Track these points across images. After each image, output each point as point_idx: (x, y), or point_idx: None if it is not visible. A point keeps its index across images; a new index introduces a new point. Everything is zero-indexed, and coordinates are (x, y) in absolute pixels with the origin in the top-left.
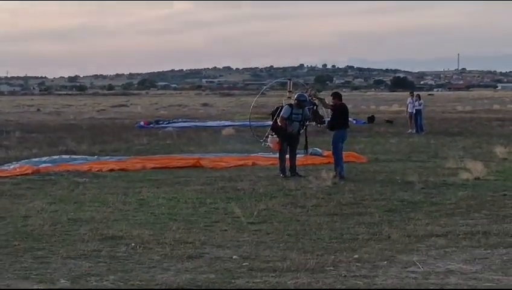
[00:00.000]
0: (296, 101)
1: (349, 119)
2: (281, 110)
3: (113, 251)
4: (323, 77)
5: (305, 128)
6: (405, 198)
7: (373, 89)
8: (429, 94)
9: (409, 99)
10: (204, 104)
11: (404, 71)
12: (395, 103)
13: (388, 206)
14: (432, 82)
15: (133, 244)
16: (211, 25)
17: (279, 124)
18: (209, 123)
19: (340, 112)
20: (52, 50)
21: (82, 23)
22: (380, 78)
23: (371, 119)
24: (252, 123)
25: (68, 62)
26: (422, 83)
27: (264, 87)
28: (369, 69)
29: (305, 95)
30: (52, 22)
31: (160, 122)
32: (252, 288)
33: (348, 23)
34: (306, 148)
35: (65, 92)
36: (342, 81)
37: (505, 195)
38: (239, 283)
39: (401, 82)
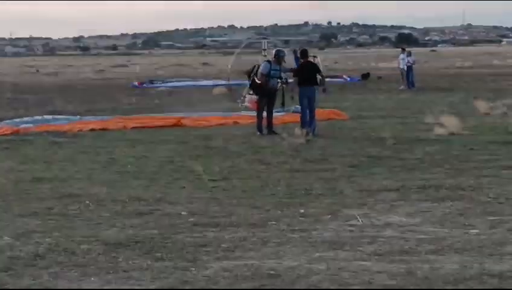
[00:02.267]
0: (275, 56)
1: (344, 76)
2: (258, 69)
3: (65, 208)
4: (327, 34)
5: (283, 85)
6: (373, 154)
7: (377, 46)
8: (431, 50)
9: (401, 56)
10: (205, 64)
11: (410, 27)
12: (395, 60)
13: (353, 162)
14: (437, 38)
15: (87, 201)
16: None
17: (258, 80)
18: (203, 82)
19: (304, 70)
20: (57, 10)
21: None
22: (385, 34)
23: (365, 76)
24: (231, 82)
25: (73, 22)
26: (427, 38)
27: (240, 47)
28: (374, 26)
29: (283, 50)
30: None
31: (154, 82)
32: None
33: None
34: (283, 105)
35: (68, 53)
36: (347, 38)
37: (472, 149)
38: (178, 238)
39: (406, 38)
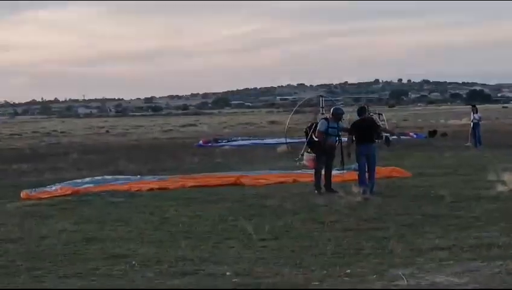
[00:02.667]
0: (332, 114)
1: (411, 133)
2: (316, 126)
3: (111, 269)
4: (398, 91)
5: (341, 143)
6: (429, 212)
7: (448, 103)
8: (503, 106)
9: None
10: (272, 122)
11: (481, 84)
12: (466, 116)
13: (408, 220)
14: (510, 94)
15: (133, 262)
16: (286, 42)
17: (316, 138)
18: (267, 141)
19: (360, 128)
20: (129, 72)
21: (159, 45)
22: (456, 91)
23: (432, 133)
24: (288, 140)
25: (144, 83)
26: (499, 95)
27: (297, 105)
28: (445, 83)
29: (341, 108)
30: (129, 44)
31: (219, 141)
32: None
33: (424, 37)
34: (342, 163)
35: (140, 113)
36: (418, 95)
37: None
38: None
39: (477, 95)
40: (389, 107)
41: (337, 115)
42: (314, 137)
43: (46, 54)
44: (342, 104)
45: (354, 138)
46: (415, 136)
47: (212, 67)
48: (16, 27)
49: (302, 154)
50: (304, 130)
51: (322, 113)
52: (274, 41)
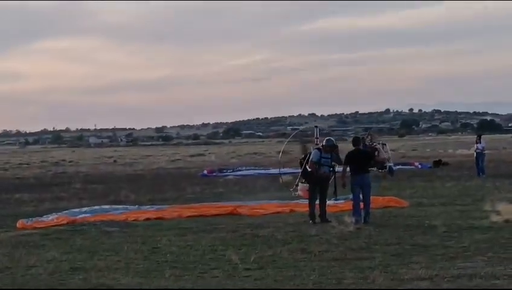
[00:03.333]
0: (323, 146)
1: (415, 163)
2: (309, 157)
3: None
4: (409, 121)
5: (335, 174)
6: (419, 242)
7: (459, 133)
8: None
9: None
10: (280, 152)
11: (492, 114)
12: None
13: (397, 250)
14: None
15: None
16: (296, 72)
17: (309, 168)
18: (271, 171)
19: (354, 158)
20: (140, 101)
21: (169, 74)
22: (467, 121)
23: (437, 163)
24: (282, 171)
25: (155, 113)
26: (510, 125)
27: (290, 136)
28: (455, 112)
29: (333, 139)
30: (140, 73)
31: (224, 171)
32: None
33: (435, 67)
34: (335, 194)
35: (150, 143)
36: (429, 125)
37: None
38: None
39: (488, 125)
40: (399, 136)
41: (327, 147)
42: (307, 167)
43: (57, 83)
44: (353, 134)
45: (348, 169)
46: (419, 166)
47: (223, 96)
48: (27, 57)
49: (297, 185)
50: (299, 160)
51: (316, 144)
52: (284, 71)
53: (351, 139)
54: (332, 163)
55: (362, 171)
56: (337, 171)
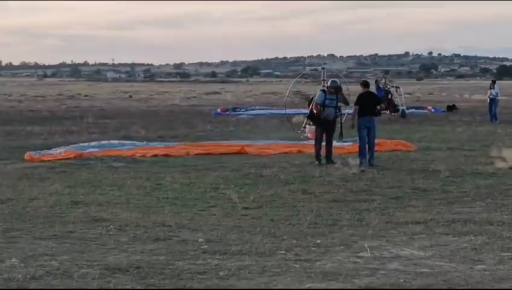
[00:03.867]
0: (327, 87)
1: (429, 107)
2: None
3: (87, 232)
4: (428, 65)
5: (341, 115)
6: (420, 186)
7: (478, 78)
8: None
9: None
10: (297, 92)
11: None
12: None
13: (396, 193)
14: None
15: (111, 226)
16: (316, 12)
17: (314, 110)
18: (284, 111)
19: (363, 100)
20: (159, 37)
21: (189, 11)
22: (487, 66)
23: (451, 108)
24: (288, 111)
25: (174, 49)
26: None
27: (297, 76)
28: (475, 57)
29: (337, 81)
30: (159, 9)
31: (237, 110)
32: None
33: (456, 10)
34: (341, 135)
35: (167, 79)
36: (447, 69)
37: None
38: (179, 265)
39: (507, 70)
40: (416, 80)
41: (331, 89)
42: (313, 109)
43: (76, 17)
44: (371, 76)
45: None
46: (433, 110)
47: (243, 35)
48: None
49: (304, 126)
50: (307, 102)
51: (323, 86)
52: (305, 11)
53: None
54: (338, 104)
55: (370, 113)
56: (344, 113)
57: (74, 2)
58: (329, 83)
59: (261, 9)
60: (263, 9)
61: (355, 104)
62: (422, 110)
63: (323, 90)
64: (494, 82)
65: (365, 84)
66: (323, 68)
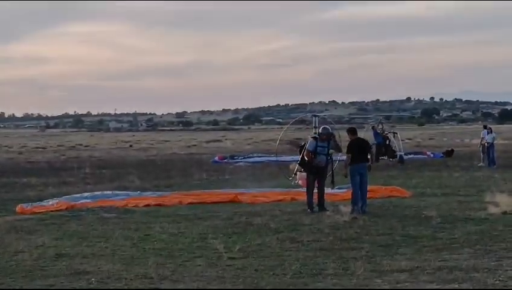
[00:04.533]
0: (319, 134)
1: (428, 153)
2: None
3: (68, 286)
4: (430, 110)
5: (332, 162)
6: (410, 233)
7: (480, 122)
8: None
9: (483, 132)
10: (297, 139)
11: None
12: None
13: (386, 241)
14: None
15: (93, 279)
16: (317, 59)
17: (305, 157)
18: (283, 158)
19: (353, 147)
20: (161, 87)
21: (190, 60)
22: (489, 110)
23: (449, 152)
24: (279, 158)
25: (176, 98)
26: None
27: (289, 123)
28: (477, 102)
29: (328, 128)
30: (161, 59)
31: (235, 157)
32: None
33: (457, 56)
34: (333, 182)
35: (169, 128)
36: (449, 114)
37: None
38: None
39: (509, 114)
40: (418, 125)
41: (323, 136)
42: (305, 156)
43: (79, 68)
44: (372, 122)
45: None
46: (432, 155)
47: (244, 82)
48: (49, 41)
49: (295, 174)
50: (298, 149)
51: (315, 133)
52: (305, 58)
53: (370, 126)
54: (330, 151)
55: (363, 160)
56: (335, 160)
57: (77, 53)
58: (320, 129)
59: (261, 58)
60: (264, 57)
61: (347, 153)
62: (420, 156)
63: (314, 138)
64: (485, 127)
65: (353, 132)
66: (314, 115)
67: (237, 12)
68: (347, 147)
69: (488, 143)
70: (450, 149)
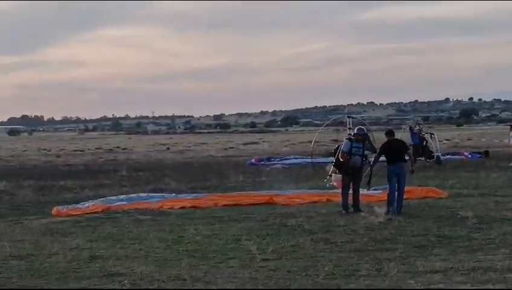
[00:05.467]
0: (354, 135)
1: (465, 153)
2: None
3: (101, 287)
4: (468, 110)
5: (369, 163)
6: (446, 233)
7: None
8: None
9: (511, 133)
10: (334, 140)
11: None
12: None
13: (421, 242)
14: None
15: (125, 281)
16: (353, 60)
17: (340, 158)
18: (319, 159)
19: (385, 148)
20: (198, 89)
21: (227, 62)
22: None
23: (487, 153)
24: (314, 160)
25: (214, 101)
26: None
27: (324, 125)
28: None
29: (364, 128)
30: (198, 61)
31: (272, 159)
32: None
33: (495, 56)
34: (369, 183)
35: (206, 131)
36: (488, 114)
37: None
38: None
39: None
40: (456, 126)
41: (358, 136)
42: (339, 158)
43: (117, 71)
44: (411, 122)
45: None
46: (469, 156)
47: (281, 84)
48: (87, 45)
49: (330, 175)
50: (332, 150)
51: (349, 134)
52: (343, 59)
53: (408, 127)
54: (365, 152)
55: (399, 160)
56: (370, 161)
57: (114, 56)
58: (355, 130)
59: (299, 59)
60: (301, 58)
61: (378, 154)
62: (458, 156)
63: (349, 139)
64: None
65: (390, 133)
66: (349, 116)
67: (272, 12)
68: (380, 147)
69: None
70: (487, 150)
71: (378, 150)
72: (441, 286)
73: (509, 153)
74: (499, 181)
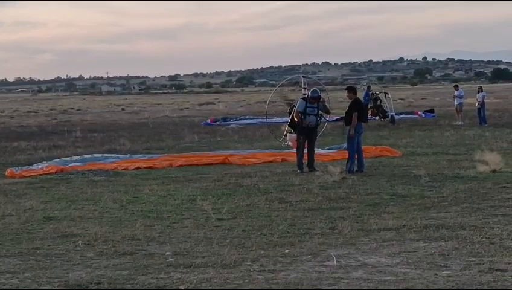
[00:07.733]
0: (309, 97)
1: (419, 112)
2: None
3: (54, 248)
4: (422, 70)
5: (321, 123)
6: (399, 192)
7: (472, 82)
8: None
9: (455, 92)
10: (291, 100)
11: (507, 62)
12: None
13: (374, 200)
14: None
15: (79, 241)
16: (310, 20)
17: (295, 118)
18: (275, 119)
19: (352, 106)
20: (154, 50)
21: (183, 23)
22: (481, 70)
23: (431, 111)
24: (268, 120)
25: (169, 61)
26: None
27: (278, 85)
28: (470, 61)
29: (317, 90)
30: (154, 21)
31: (227, 120)
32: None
33: (450, 15)
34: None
35: (161, 91)
36: (442, 74)
37: (504, 187)
38: (141, 279)
39: (501, 73)
40: (410, 85)
41: (312, 99)
42: (294, 117)
43: (71, 31)
44: (366, 82)
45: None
46: (423, 115)
47: (237, 45)
48: (42, 4)
49: (285, 135)
50: (288, 110)
51: (304, 94)
52: (299, 19)
53: (363, 88)
54: (320, 112)
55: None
56: (326, 121)
57: (68, 16)
58: (309, 93)
59: (254, 19)
60: (257, 19)
61: (353, 112)
62: (412, 116)
63: (304, 98)
64: (457, 86)
65: (354, 91)
66: (303, 76)
67: None
68: (350, 105)
69: (478, 102)
70: (430, 109)
71: (351, 108)
72: (393, 243)
73: (455, 112)
74: (452, 140)
